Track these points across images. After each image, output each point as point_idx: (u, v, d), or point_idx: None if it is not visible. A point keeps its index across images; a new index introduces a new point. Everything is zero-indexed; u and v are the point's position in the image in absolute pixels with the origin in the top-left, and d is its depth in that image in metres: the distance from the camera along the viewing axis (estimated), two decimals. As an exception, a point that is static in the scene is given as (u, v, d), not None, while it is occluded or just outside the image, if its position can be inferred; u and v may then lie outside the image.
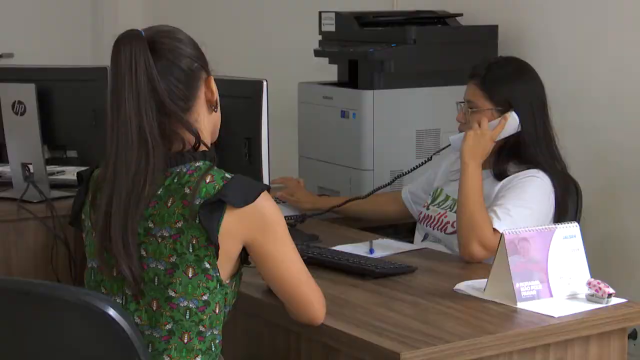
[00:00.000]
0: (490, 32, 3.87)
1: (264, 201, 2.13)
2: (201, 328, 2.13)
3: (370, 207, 3.39)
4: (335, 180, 3.83)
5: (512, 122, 2.92)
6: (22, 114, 3.47)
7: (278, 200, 2.23)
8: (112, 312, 1.95)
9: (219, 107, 2.27)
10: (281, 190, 3.29)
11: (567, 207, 2.98)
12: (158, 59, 2.12)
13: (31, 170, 3.51)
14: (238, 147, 2.82)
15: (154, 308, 2.12)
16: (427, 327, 2.21)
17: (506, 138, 2.93)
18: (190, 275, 2.10)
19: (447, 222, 3.01)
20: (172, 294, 2.10)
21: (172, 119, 2.14)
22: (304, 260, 2.25)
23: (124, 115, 2.09)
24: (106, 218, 2.10)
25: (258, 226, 2.12)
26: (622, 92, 3.53)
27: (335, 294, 2.42)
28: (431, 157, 3.27)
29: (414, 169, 3.35)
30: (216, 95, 2.25)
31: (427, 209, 3.14)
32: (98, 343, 1.99)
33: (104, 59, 2.64)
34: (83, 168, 2.59)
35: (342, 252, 2.82)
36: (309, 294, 2.22)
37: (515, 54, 3.36)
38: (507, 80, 2.98)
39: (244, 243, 2.13)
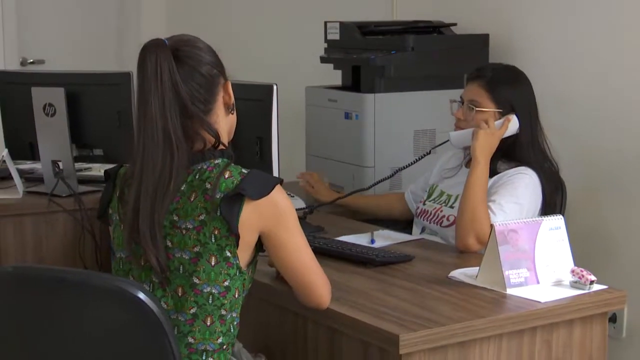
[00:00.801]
0: (481, 41, 3.87)
1: (278, 194, 2.14)
2: (222, 312, 2.14)
3: (378, 205, 3.45)
4: (340, 176, 3.83)
5: (513, 124, 2.93)
6: (52, 116, 3.48)
7: (290, 194, 2.23)
8: (142, 296, 1.95)
9: (235, 110, 2.28)
10: (302, 182, 3.37)
11: (553, 201, 2.98)
12: (181, 65, 2.13)
13: (60, 167, 3.52)
14: (250, 146, 2.83)
15: (180, 294, 2.13)
16: (424, 311, 2.22)
17: (503, 138, 2.93)
18: (212, 263, 2.11)
19: (443, 216, 3.01)
20: (197, 280, 2.11)
21: (194, 121, 2.15)
22: (312, 250, 2.26)
23: (150, 118, 2.10)
24: (134, 212, 2.11)
25: (272, 217, 2.13)
26: (603, 97, 3.53)
27: (340, 281, 2.43)
28: (430, 151, 3.27)
29: (412, 163, 3.34)
30: (233, 99, 2.26)
31: (424, 204, 3.14)
32: (129, 326, 1.99)
33: (128, 65, 2.66)
34: (108, 165, 2.60)
35: (345, 242, 2.83)
36: (316, 280, 2.23)
37: (504, 60, 3.37)
38: (510, 84, 2.99)
39: (260, 232, 2.14)
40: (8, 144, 3.75)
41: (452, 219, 2.93)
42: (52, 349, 2.03)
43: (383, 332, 2.10)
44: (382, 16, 4.37)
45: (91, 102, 3.61)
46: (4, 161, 3.58)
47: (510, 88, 2.98)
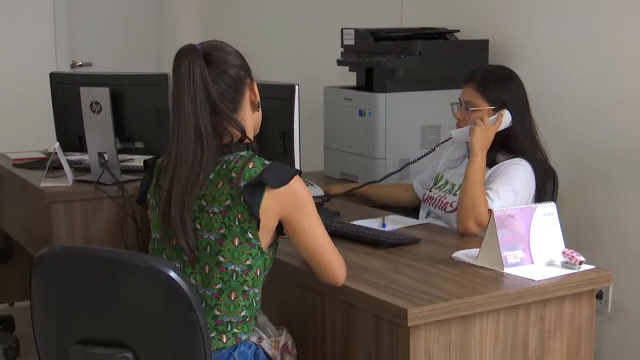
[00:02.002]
0: (482, 45, 3.86)
1: (296, 183, 2.14)
2: (245, 287, 2.14)
3: (389, 194, 3.44)
4: (354, 167, 3.83)
5: (506, 118, 2.92)
6: (98, 112, 3.49)
7: (308, 183, 2.22)
8: (173, 274, 1.97)
9: (260, 107, 2.28)
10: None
11: (545, 189, 2.97)
12: (211, 68, 2.13)
13: (106, 158, 3.53)
14: (274, 140, 2.82)
15: (207, 271, 2.13)
16: (430, 288, 2.21)
17: (499, 131, 2.91)
18: (236, 244, 2.11)
19: (447, 203, 3.01)
20: (222, 259, 2.12)
21: (223, 118, 2.16)
22: (329, 233, 2.25)
23: (184, 115, 2.10)
24: (167, 199, 2.12)
25: (291, 203, 2.13)
26: (593, 94, 3.51)
27: (354, 261, 2.42)
28: (434, 148, 3.27)
29: (420, 158, 3.34)
30: (258, 98, 2.26)
31: (430, 191, 3.14)
32: (161, 300, 1.99)
33: (165, 67, 2.65)
34: (148, 156, 2.60)
35: (359, 225, 2.82)
36: (332, 260, 2.23)
37: (503, 63, 3.36)
38: (499, 83, 2.98)
39: (280, 217, 2.14)
40: (59, 138, 3.76)
41: (455, 205, 2.92)
42: (96, 318, 2.04)
43: (393, 306, 2.10)
44: (393, 23, 4.36)
45: (133, 100, 3.62)
46: (56, 153, 3.60)
47: (501, 86, 2.97)
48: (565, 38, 3.62)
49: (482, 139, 2.87)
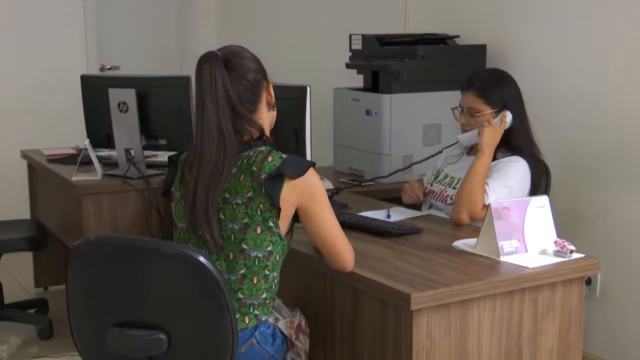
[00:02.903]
0: (480, 50, 3.85)
1: (311, 174, 2.15)
2: (266, 272, 2.15)
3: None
4: (361, 162, 3.83)
5: (509, 118, 2.90)
6: (125, 112, 3.49)
7: (320, 177, 2.22)
8: (203, 260, 1.97)
9: (275, 107, 2.28)
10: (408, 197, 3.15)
11: (539, 184, 2.95)
12: (230, 73, 2.14)
13: (132, 154, 3.54)
14: (287, 137, 2.82)
15: (231, 258, 2.14)
16: (431, 275, 2.20)
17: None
18: (258, 232, 2.12)
19: (447, 196, 2.99)
20: (245, 246, 2.12)
21: (242, 118, 2.17)
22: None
23: (207, 117, 2.11)
24: (193, 194, 2.13)
25: (307, 193, 2.14)
26: (582, 96, 3.50)
27: (361, 249, 2.42)
28: (441, 151, 3.23)
29: (426, 158, 3.31)
30: (274, 99, 2.26)
31: (431, 185, 3.12)
32: (192, 284, 1.99)
33: (187, 70, 2.66)
34: (171, 153, 2.60)
35: (366, 216, 2.82)
36: (342, 247, 2.23)
37: (499, 66, 3.35)
38: (497, 86, 2.95)
39: (296, 206, 2.15)
40: (89, 135, 3.77)
41: (454, 198, 2.91)
42: (130, 302, 2.04)
43: (397, 292, 2.09)
44: (397, 29, 4.36)
45: (157, 100, 3.63)
46: (86, 149, 3.61)
47: (499, 88, 2.95)
48: (556, 43, 3.61)
49: (491, 139, 2.86)
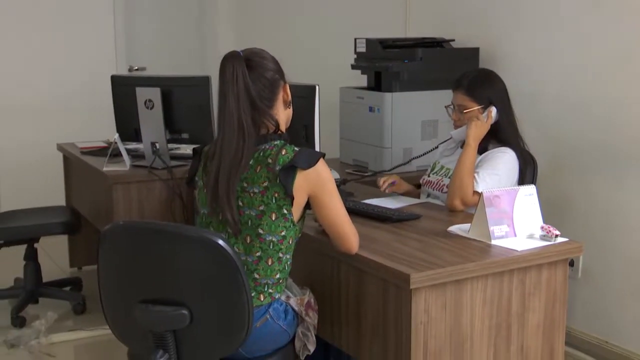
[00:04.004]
0: (473, 52, 3.84)
1: (321, 165, 2.15)
2: (280, 254, 2.15)
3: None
4: (365, 155, 3.82)
5: (494, 113, 2.89)
6: (151, 108, 3.49)
7: (329, 167, 2.22)
8: (221, 242, 1.97)
9: (291, 105, 2.28)
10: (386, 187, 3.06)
11: (526, 174, 2.94)
12: (251, 72, 2.13)
13: (157, 147, 3.54)
14: (299, 131, 2.81)
15: (248, 241, 2.14)
16: (429, 257, 2.20)
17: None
18: (273, 218, 2.12)
19: (443, 185, 2.98)
20: (261, 231, 2.12)
21: (260, 113, 2.16)
22: (345, 209, 2.25)
23: (228, 111, 2.11)
24: (215, 181, 2.13)
25: (317, 182, 2.14)
26: (566, 93, 3.49)
27: (365, 233, 2.41)
28: (437, 146, 3.22)
29: (425, 154, 3.30)
30: (290, 97, 2.26)
31: (429, 176, 3.11)
32: (212, 264, 1.99)
33: (207, 70, 2.66)
34: (193, 145, 2.61)
35: (370, 204, 2.81)
36: (348, 232, 2.22)
37: (490, 67, 3.34)
38: (483, 84, 2.94)
39: (308, 194, 2.15)
40: (118, 130, 3.78)
41: (450, 187, 2.90)
42: (156, 281, 2.04)
43: (398, 272, 2.09)
44: (398, 34, 4.35)
45: (180, 98, 3.63)
46: (116, 142, 3.61)
47: (485, 87, 2.93)
48: (542, 47, 3.59)
49: (477, 133, 2.85)
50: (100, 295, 2.15)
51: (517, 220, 2.37)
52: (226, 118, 2.11)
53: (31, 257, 4.02)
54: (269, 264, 2.15)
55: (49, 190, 4.95)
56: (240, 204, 2.13)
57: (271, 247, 2.13)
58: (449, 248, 2.29)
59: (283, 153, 2.11)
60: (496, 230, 2.33)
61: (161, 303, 2.02)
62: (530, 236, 2.38)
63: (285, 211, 2.12)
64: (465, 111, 2.92)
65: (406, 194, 3.09)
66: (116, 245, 2.08)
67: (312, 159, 2.12)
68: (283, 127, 2.24)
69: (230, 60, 2.12)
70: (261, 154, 2.14)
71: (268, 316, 2.16)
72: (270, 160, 2.11)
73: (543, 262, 2.31)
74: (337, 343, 2.44)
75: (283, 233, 2.14)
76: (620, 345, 3.34)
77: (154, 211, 3.51)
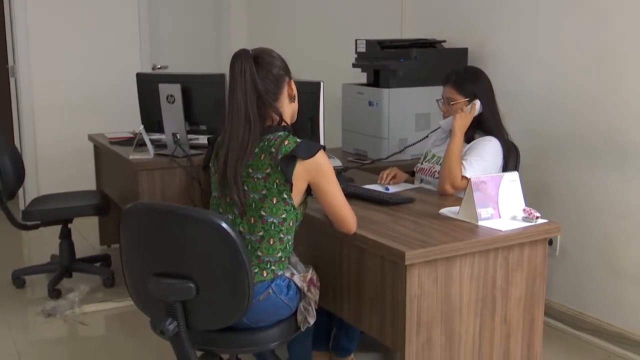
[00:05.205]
0: (462, 52, 3.81)
1: (320, 156, 2.13)
2: (281, 235, 2.13)
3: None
4: (364, 144, 3.81)
5: (478, 106, 2.87)
6: (172, 103, 3.48)
7: (330, 156, 2.21)
8: (224, 225, 1.97)
9: (297, 100, 2.26)
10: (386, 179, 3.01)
11: (509, 161, 2.93)
12: (258, 68, 2.11)
13: (178, 137, 3.53)
14: (305, 124, 2.81)
15: (252, 222, 2.13)
16: (422, 236, 2.19)
17: (475, 116, 2.87)
18: (274, 202, 2.10)
19: (435, 171, 2.97)
20: (263, 213, 2.11)
21: (266, 106, 2.14)
22: (345, 194, 2.23)
23: (237, 103, 2.09)
24: (224, 165, 2.12)
25: (316, 171, 2.12)
26: (546, 89, 3.47)
27: (364, 215, 2.41)
28: (428, 135, 3.21)
29: (417, 142, 3.29)
30: (295, 92, 2.24)
31: (422, 164, 3.10)
32: (216, 244, 1.99)
33: (222, 68, 2.64)
34: (210, 136, 2.59)
35: (369, 189, 2.80)
36: (346, 214, 2.21)
37: (477, 66, 3.30)
38: (470, 80, 2.92)
39: (308, 182, 2.13)
40: (143, 122, 3.78)
41: (441, 173, 2.89)
42: (167, 257, 2.04)
43: (394, 249, 2.08)
44: (395, 35, 4.33)
45: (198, 93, 3.62)
46: (141, 133, 3.60)
47: (471, 82, 2.91)
48: (523, 47, 3.57)
49: (461, 123, 2.83)
50: (122, 268, 2.16)
51: (502, 204, 2.36)
52: (234, 109, 2.09)
53: (66, 236, 4.02)
54: (271, 243, 2.14)
55: (81, 177, 4.96)
56: (246, 188, 2.12)
57: (272, 227, 2.12)
58: (440, 228, 2.28)
59: (285, 143, 2.10)
60: (483, 212, 2.32)
61: (171, 276, 2.02)
62: (513, 218, 2.37)
63: (285, 196, 2.11)
64: (452, 103, 2.91)
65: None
66: (134, 223, 2.08)
67: (311, 150, 2.10)
68: (288, 120, 2.22)
69: (239, 57, 2.10)
70: (266, 144, 2.12)
71: (270, 291, 2.15)
72: (273, 150, 2.09)
73: (525, 241, 2.29)
74: (340, 313, 2.43)
75: (284, 215, 2.13)
76: (593, 315, 3.34)
77: (174, 195, 3.51)
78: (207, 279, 2.01)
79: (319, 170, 2.12)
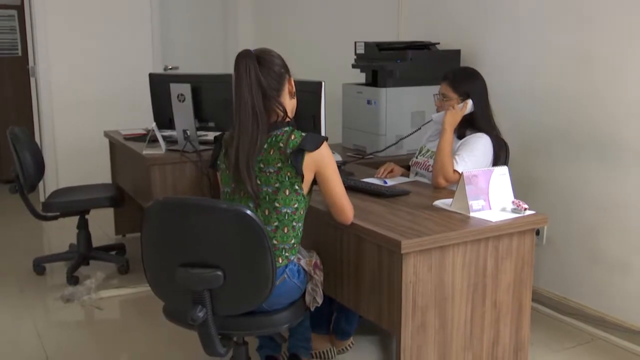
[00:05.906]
0: (455, 54, 3.79)
1: (324, 148, 2.14)
2: (294, 223, 2.15)
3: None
4: (363, 140, 3.80)
5: (470, 105, 2.86)
6: (183, 101, 3.48)
7: (332, 150, 2.21)
8: (249, 212, 1.96)
9: (295, 96, 2.26)
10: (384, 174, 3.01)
11: (500, 156, 2.92)
12: (261, 67, 2.12)
13: (188, 134, 3.53)
14: (308, 120, 2.80)
15: (266, 213, 2.14)
16: (417, 226, 2.19)
17: (466, 114, 2.86)
18: (287, 193, 2.12)
19: (429, 165, 2.97)
20: (277, 205, 2.12)
21: (271, 101, 2.14)
22: (345, 187, 2.23)
23: (243, 100, 2.09)
24: (236, 160, 2.12)
25: (321, 162, 2.13)
26: (532, 89, 3.46)
27: (363, 206, 2.41)
28: (420, 127, 3.21)
29: (410, 134, 3.31)
30: (294, 89, 2.24)
31: (416, 158, 3.10)
32: (242, 232, 1.97)
33: (229, 68, 2.63)
34: (217, 133, 2.59)
35: (367, 182, 2.80)
36: (345, 205, 2.22)
37: (470, 65, 3.29)
38: (464, 79, 2.92)
39: (314, 172, 2.14)
40: (155, 119, 3.77)
41: (435, 167, 2.89)
42: (194, 247, 2.02)
43: (391, 239, 2.08)
44: (391, 38, 4.32)
45: (207, 92, 3.61)
46: (153, 130, 3.60)
47: (465, 82, 2.90)
48: (512, 50, 3.56)
49: (452, 120, 2.83)
50: (143, 262, 2.13)
51: (492, 196, 2.36)
52: (242, 105, 2.09)
53: (83, 226, 4.03)
54: (285, 231, 2.14)
55: (97, 171, 4.96)
56: (259, 182, 2.12)
57: (286, 217, 2.13)
58: (434, 219, 2.28)
59: (292, 138, 2.10)
60: (474, 204, 2.32)
61: (199, 266, 2.00)
62: (503, 209, 2.36)
63: (296, 187, 2.12)
64: (446, 99, 2.90)
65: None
66: (158, 219, 2.06)
67: (317, 142, 2.11)
68: (290, 114, 2.22)
69: (243, 57, 2.10)
70: (274, 139, 2.13)
71: (286, 275, 2.16)
72: (282, 144, 2.10)
73: (514, 232, 2.29)
74: (340, 299, 2.43)
75: (295, 205, 2.13)
76: (577, 300, 3.34)
77: (185, 188, 3.51)
78: (234, 267, 2.00)
79: (323, 160, 2.13)
